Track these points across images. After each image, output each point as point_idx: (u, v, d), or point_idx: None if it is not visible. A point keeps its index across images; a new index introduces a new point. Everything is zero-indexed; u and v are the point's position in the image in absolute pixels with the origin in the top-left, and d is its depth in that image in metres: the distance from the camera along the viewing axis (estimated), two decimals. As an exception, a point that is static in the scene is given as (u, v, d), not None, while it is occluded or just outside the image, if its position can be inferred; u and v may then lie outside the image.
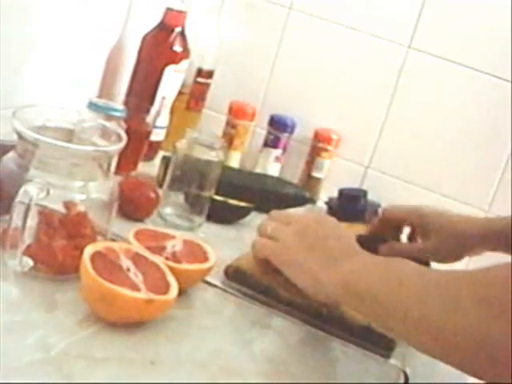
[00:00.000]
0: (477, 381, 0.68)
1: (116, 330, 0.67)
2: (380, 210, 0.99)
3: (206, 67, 1.25)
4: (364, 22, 1.24)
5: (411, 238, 0.96)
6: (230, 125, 1.27)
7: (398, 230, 0.96)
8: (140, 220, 0.94)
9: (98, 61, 1.14)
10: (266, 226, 0.83)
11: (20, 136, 0.72)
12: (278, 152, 1.26)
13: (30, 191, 0.67)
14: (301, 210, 1.16)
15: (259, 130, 1.30)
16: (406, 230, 0.97)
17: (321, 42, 1.27)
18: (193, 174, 0.96)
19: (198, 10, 1.25)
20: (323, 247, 0.77)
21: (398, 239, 0.96)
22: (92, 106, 0.95)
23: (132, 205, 0.92)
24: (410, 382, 0.78)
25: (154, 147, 1.16)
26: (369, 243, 0.90)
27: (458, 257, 0.91)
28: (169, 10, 1.13)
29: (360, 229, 1.12)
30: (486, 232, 0.89)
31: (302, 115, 1.28)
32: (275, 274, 0.82)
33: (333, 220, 0.83)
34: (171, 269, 0.73)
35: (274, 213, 0.87)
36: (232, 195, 1.03)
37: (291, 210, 1.14)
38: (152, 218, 0.96)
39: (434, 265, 0.92)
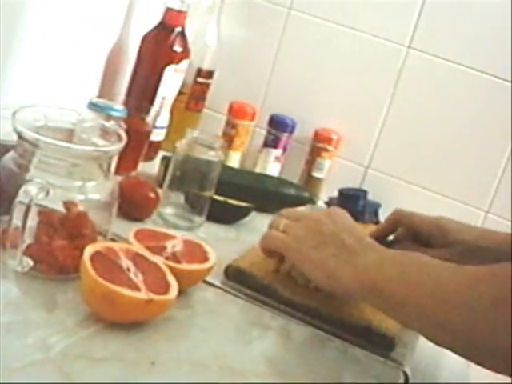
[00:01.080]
0: (478, 381, 0.68)
1: (116, 330, 0.67)
2: (392, 212, 0.94)
3: (205, 67, 1.25)
4: (364, 22, 1.24)
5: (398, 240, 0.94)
6: (229, 125, 1.26)
7: (412, 235, 0.92)
8: (140, 220, 0.94)
9: (98, 61, 1.14)
10: (277, 222, 0.84)
11: (20, 136, 0.72)
12: (277, 152, 1.26)
13: (30, 191, 0.67)
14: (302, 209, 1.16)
15: (259, 129, 1.30)
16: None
17: (321, 42, 1.27)
18: (193, 174, 0.96)
19: (198, 10, 1.25)
20: (337, 241, 0.78)
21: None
22: (92, 106, 0.95)
23: (132, 205, 0.92)
24: (410, 382, 0.78)
25: (154, 147, 1.16)
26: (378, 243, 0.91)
27: None
28: (169, 9, 1.13)
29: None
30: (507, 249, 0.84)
31: (302, 115, 1.27)
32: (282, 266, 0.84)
33: (343, 213, 0.83)
34: (171, 269, 0.73)
35: (285, 211, 0.87)
36: (232, 195, 1.03)
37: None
38: (152, 218, 0.96)
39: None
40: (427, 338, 0.68)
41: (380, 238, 0.92)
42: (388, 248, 0.90)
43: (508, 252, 0.83)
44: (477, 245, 0.87)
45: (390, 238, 0.94)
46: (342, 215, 0.83)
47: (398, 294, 0.69)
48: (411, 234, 0.92)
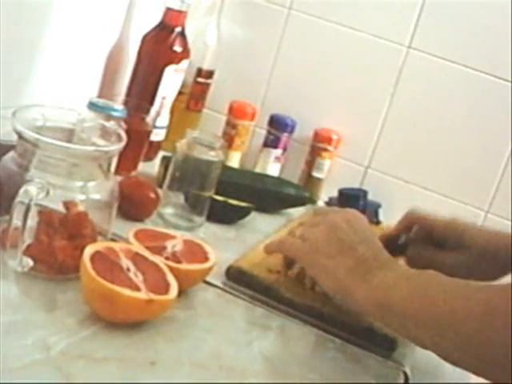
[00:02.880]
0: (478, 381, 0.68)
1: (116, 330, 0.67)
2: (406, 213, 0.91)
3: (205, 67, 1.25)
4: (364, 22, 1.24)
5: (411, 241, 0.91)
6: (230, 125, 1.26)
7: (427, 236, 0.90)
8: (140, 220, 0.94)
9: (98, 61, 1.14)
10: (294, 230, 0.83)
11: (20, 136, 0.72)
12: (277, 152, 1.26)
13: (30, 191, 0.67)
14: (301, 209, 1.16)
15: (259, 130, 1.30)
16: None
17: (321, 42, 1.27)
18: (193, 174, 0.96)
19: (198, 9, 1.25)
20: (354, 253, 0.76)
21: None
22: (92, 106, 0.94)
23: (132, 205, 0.92)
24: (410, 382, 0.78)
25: (154, 147, 1.16)
26: (392, 244, 0.88)
27: (493, 277, 0.85)
28: (169, 9, 1.13)
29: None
30: None
31: (302, 115, 1.28)
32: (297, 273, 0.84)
33: (362, 219, 0.82)
34: (171, 269, 0.73)
35: (305, 219, 0.86)
36: (232, 195, 1.03)
37: (291, 210, 1.15)
38: (152, 218, 0.96)
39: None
40: (442, 356, 0.67)
41: (393, 239, 0.90)
42: (401, 250, 0.90)
43: None
44: (491, 248, 0.85)
45: (403, 239, 0.91)
46: (362, 221, 0.81)
47: (414, 313, 0.68)
48: (425, 235, 0.89)
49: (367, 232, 0.79)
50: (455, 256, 0.86)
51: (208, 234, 0.97)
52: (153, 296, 0.67)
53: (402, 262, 0.89)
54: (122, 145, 0.77)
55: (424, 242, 0.89)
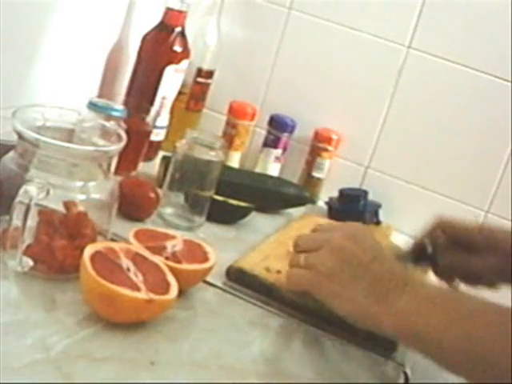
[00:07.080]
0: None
1: (116, 330, 0.67)
2: (433, 220, 0.88)
3: (205, 67, 1.25)
4: (364, 22, 1.24)
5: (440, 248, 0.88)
6: (230, 125, 1.26)
7: (455, 242, 0.87)
8: (140, 220, 0.94)
9: (98, 61, 1.14)
10: (297, 258, 0.78)
11: (20, 136, 0.72)
12: (277, 152, 1.26)
13: (30, 191, 0.67)
14: (302, 209, 1.16)
15: (259, 129, 1.30)
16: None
17: (321, 42, 1.27)
18: (193, 174, 0.96)
19: (198, 10, 1.25)
20: (367, 275, 0.72)
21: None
22: (92, 106, 0.94)
23: (132, 205, 0.92)
24: (410, 382, 0.78)
25: (154, 147, 1.16)
26: (419, 253, 0.88)
27: None
28: (169, 9, 1.13)
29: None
30: None
31: (302, 115, 1.27)
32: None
33: (367, 232, 0.77)
34: (171, 269, 0.73)
35: (299, 239, 0.80)
36: (232, 195, 1.03)
37: (292, 210, 1.15)
38: (152, 218, 0.96)
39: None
40: (467, 378, 0.65)
41: (420, 248, 0.88)
42: (430, 259, 0.88)
43: None
44: None
45: (430, 249, 0.89)
46: (367, 235, 0.76)
47: (441, 338, 0.65)
48: (453, 241, 0.87)
49: (376, 246, 0.75)
50: (486, 260, 0.84)
51: (208, 233, 0.97)
52: (153, 296, 0.67)
53: (430, 274, 0.88)
54: (121, 145, 0.77)
55: (452, 248, 0.87)
